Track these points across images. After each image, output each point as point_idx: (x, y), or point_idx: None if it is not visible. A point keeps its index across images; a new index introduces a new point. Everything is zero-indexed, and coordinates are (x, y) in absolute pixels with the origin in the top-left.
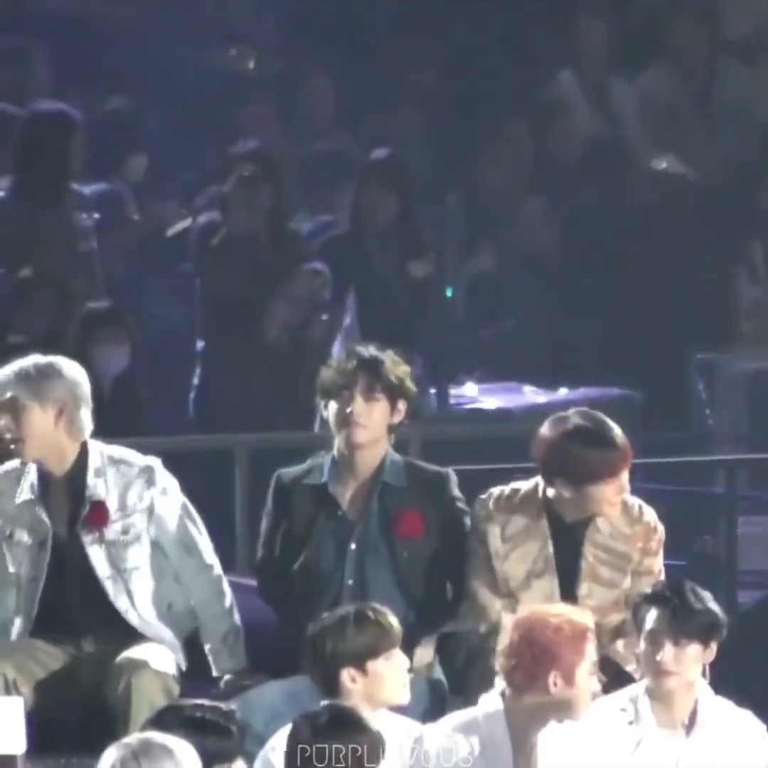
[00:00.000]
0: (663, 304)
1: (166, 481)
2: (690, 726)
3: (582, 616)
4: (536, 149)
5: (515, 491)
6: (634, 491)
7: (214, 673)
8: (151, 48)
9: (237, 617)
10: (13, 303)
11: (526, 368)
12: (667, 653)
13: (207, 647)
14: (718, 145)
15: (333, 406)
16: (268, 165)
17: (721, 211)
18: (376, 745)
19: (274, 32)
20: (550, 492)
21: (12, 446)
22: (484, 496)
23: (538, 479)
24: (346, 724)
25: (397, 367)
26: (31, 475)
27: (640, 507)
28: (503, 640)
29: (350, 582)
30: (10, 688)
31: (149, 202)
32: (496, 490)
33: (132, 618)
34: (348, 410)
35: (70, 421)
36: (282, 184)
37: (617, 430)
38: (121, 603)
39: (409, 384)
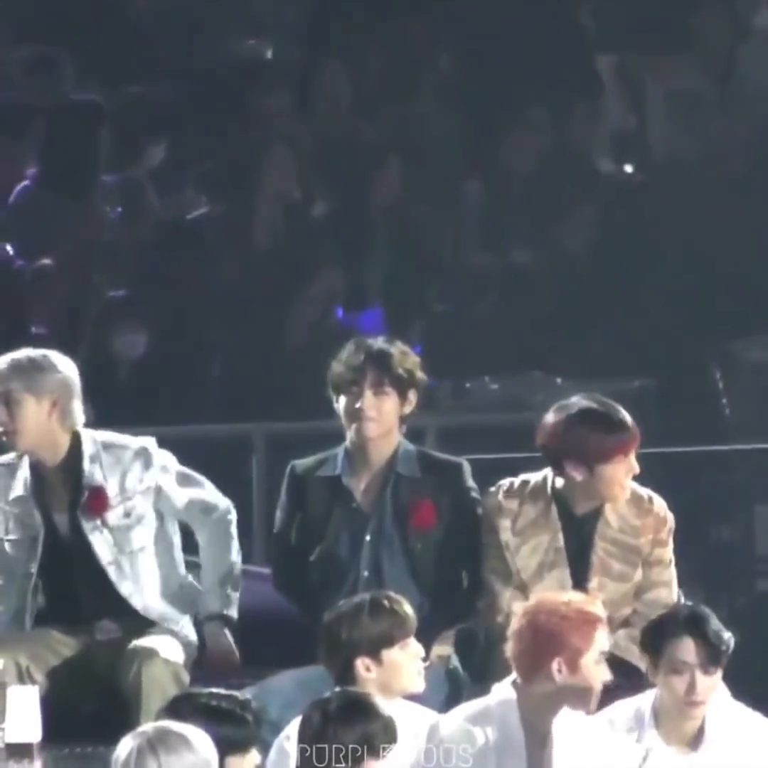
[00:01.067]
0: (681, 293)
1: (163, 458)
2: (698, 740)
3: (593, 605)
4: (558, 136)
5: (524, 483)
6: (651, 481)
7: (200, 616)
8: (171, 37)
9: (239, 567)
10: (32, 293)
11: (542, 357)
12: (701, 683)
13: (202, 586)
14: (738, 134)
15: (343, 400)
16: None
17: (740, 200)
18: (387, 730)
19: (293, 20)
20: (559, 482)
21: (4, 438)
22: (493, 489)
23: (547, 471)
24: (356, 709)
25: (405, 358)
26: (24, 470)
27: (649, 497)
28: (513, 626)
29: (366, 573)
30: (24, 677)
31: (168, 190)
32: (505, 483)
33: (136, 602)
34: (357, 405)
35: (63, 413)
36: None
37: (623, 411)
38: (124, 587)
39: (419, 375)
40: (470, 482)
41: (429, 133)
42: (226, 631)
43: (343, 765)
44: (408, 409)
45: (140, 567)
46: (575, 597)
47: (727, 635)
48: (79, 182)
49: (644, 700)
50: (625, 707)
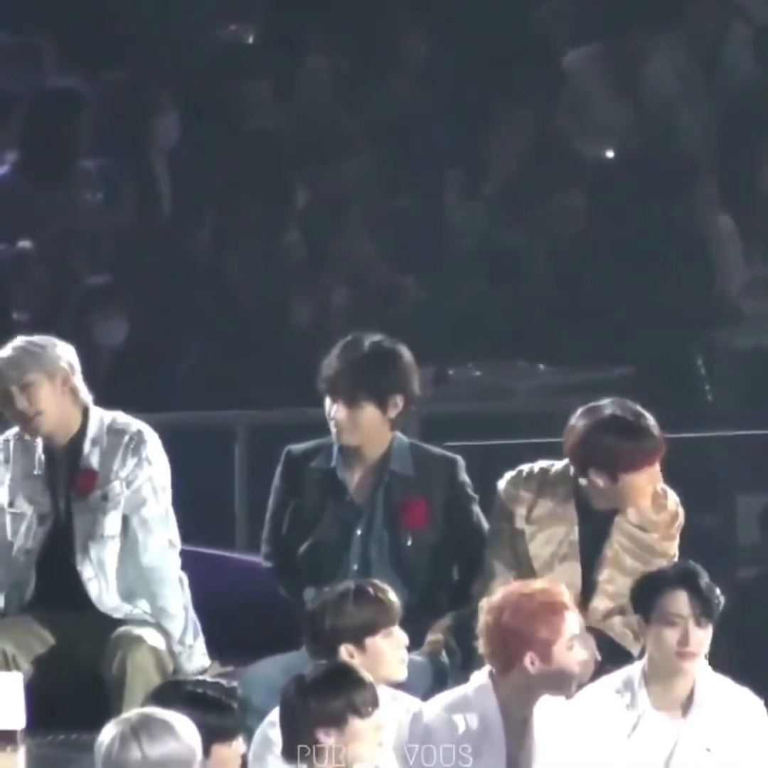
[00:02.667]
0: (664, 281)
1: (151, 452)
2: (688, 706)
3: (557, 592)
4: (541, 124)
5: (544, 471)
6: None
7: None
8: (150, 23)
9: (193, 616)
10: (12, 279)
11: (525, 345)
12: (694, 635)
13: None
14: (724, 119)
15: (326, 402)
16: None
17: (727, 187)
18: (369, 692)
19: (273, 6)
20: (582, 480)
21: (21, 426)
22: (512, 474)
23: (567, 462)
24: (337, 674)
25: (389, 365)
26: (39, 449)
27: (664, 492)
28: (480, 623)
29: (355, 567)
30: (9, 664)
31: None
32: (525, 469)
33: (92, 589)
34: (331, 415)
35: (73, 390)
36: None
37: (651, 420)
38: (85, 571)
39: (407, 379)
40: (465, 477)
41: (410, 119)
42: (222, 672)
43: (330, 726)
44: (394, 413)
45: (107, 554)
46: (537, 587)
47: (718, 590)
48: (59, 169)
49: (633, 668)
50: (613, 676)
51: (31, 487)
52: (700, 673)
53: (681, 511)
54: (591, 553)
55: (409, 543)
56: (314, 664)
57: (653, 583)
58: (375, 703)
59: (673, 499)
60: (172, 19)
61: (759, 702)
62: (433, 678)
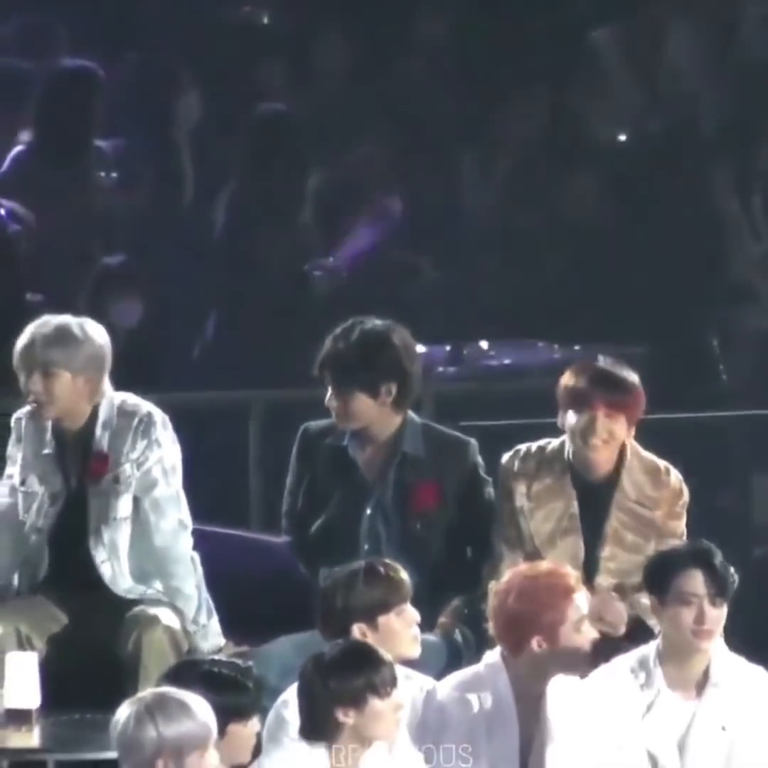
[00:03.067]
0: (680, 260)
1: (160, 433)
2: (702, 685)
3: (563, 574)
4: (556, 105)
5: (541, 449)
6: (648, 447)
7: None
8: (164, 4)
9: (206, 595)
10: (27, 259)
11: (541, 325)
12: (709, 614)
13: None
14: (739, 100)
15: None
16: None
17: (742, 167)
18: (388, 671)
19: None
20: (569, 447)
21: (31, 405)
22: (510, 453)
23: (564, 438)
24: (356, 654)
25: (378, 355)
26: (49, 429)
27: (666, 469)
28: (489, 606)
29: (366, 546)
30: (24, 644)
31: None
32: (522, 447)
33: (105, 571)
34: (326, 401)
35: (93, 388)
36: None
37: (632, 376)
38: (98, 554)
39: (401, 366)
40: (477, 460)
41: (425, 99)
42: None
43: (349, 706)
44: (388, 399)
45: (119, 536)
46: (543, 569)
47: (732, 569)
48: (74, 148)
49: (648, 647)
50: (628, 656)
51: (42, 466)
52: (714, 652)
53: (685, 488)
54: (592, 529)
55: (419, 526)
56: (332, 644)
57: (667, 562)
58: (393, 683)
59: (675, 476)
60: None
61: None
62: (447, 657)
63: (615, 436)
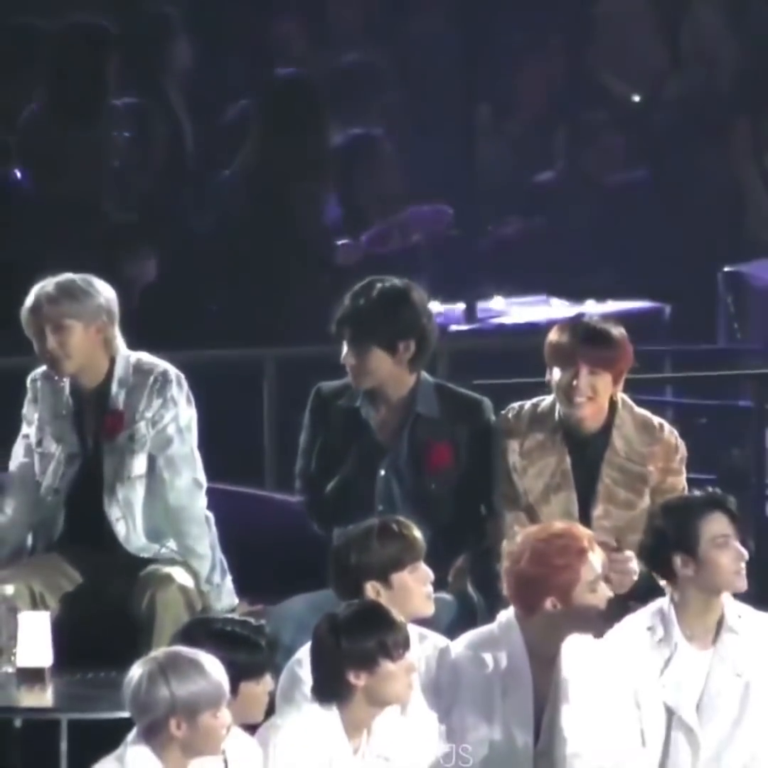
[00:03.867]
0: (694, 218)
1: (176, 392)
2: (717, 635)
3: (574, 536)
4: (573, 62)
5: (534, 406)
6: (663, 406)
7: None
8: None
9: (220, 555)
10: (41, 218)
11: (556, 282)
12: (744, 552)
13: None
14: (738, 58)
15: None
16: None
17: (757, 128)
18: (401, 633)
19: None
20: (558, 405)
21: (47, 363)
22: (504, 412)
23: (555, 396)
24: (370, 615)
25: (397, 312)
26: (67, 391)
27: (660, 425)
28: (503, 568)
29: (380, 507)
30: (37, 602)
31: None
32: (516, 405)
33: (119, 529)
34: (342, 358)
35: (106, 340)
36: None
37: (619, 331)
38: (113, 512)
39: (413, 325)
40: (490, 418)
41: (440, 56)
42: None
43: (361, 668)
44: (406, 357)
45: (134, 494)
46: (555, 531)
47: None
48: (87, 107)
49: (660, 603)
50: (641, 614)
51: (59, 427)
52: (727, 599)
53: (681, 444)
54: (585, 486)
55: (433, 486)
56: (346, 604)
57: (690, 513)
58: (406, 646)
59: (670, 431)
60: None
61: None
62: (461, 615)
63: (599, 393)
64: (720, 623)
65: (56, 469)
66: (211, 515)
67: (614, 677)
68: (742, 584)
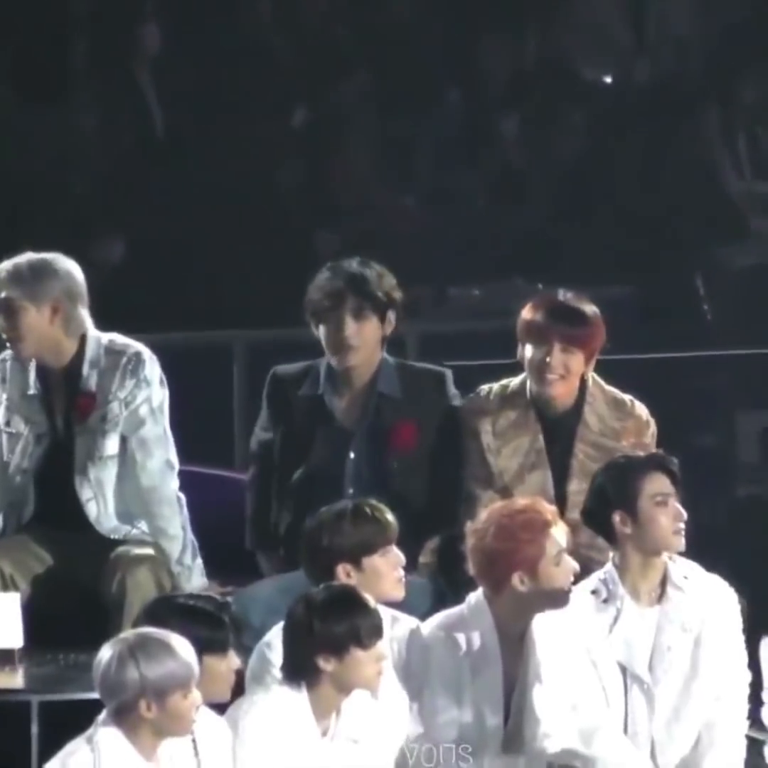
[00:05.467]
0: (663, 200)
1: (147, 373)
2: (662, 592)
3: (537, 510)
4: (542, 43)
5: (504, 387)
6: (633, 387)
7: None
8: None
9: (191, 536)
10: (10, 201)
11: (524, 264)
12: (680, 515)
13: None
14: (701, 40)
15: (323, 329)
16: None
17: (726, 108)
18: (373, 621)
19: None
20: (530, 382)
21: (8, 345)
22: (472, 394)
23: (525, 375)
24: (342, 601)
25: (383, 280)
26: (32, 369)
27: (631, 402)
28: (467, 546)
29: (351, 490)
30: (7, 584)
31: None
32: (484, 387)
33: (90, 510)
34: (340, 333)
35: (67, 319)
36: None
37: (591, 308)
38: (84, 492)
39: (397, 295)
40: (453, 390)
41: (410, 36)
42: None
43: (330, 654)
44: (388, 329)
45: (106, 475)
46: (518, 506)
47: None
48: (54, 88)
49: (604, 568)
50: (588, 579)
51: (27, 407)
52: (674, 560)
53: (652, 421)
54: (559, 463)
55: (396, 465)
56: (322, 586)
57: (631, 472)
58: (378, 634)
59: (641, 407)
60: None
61: (730, 588)
62: (433, 598)
63: (571, 371)
64: (664, 581)
65: (24, 449)
66: (182, 496)
67: (569, 644)
68: (680, 544)
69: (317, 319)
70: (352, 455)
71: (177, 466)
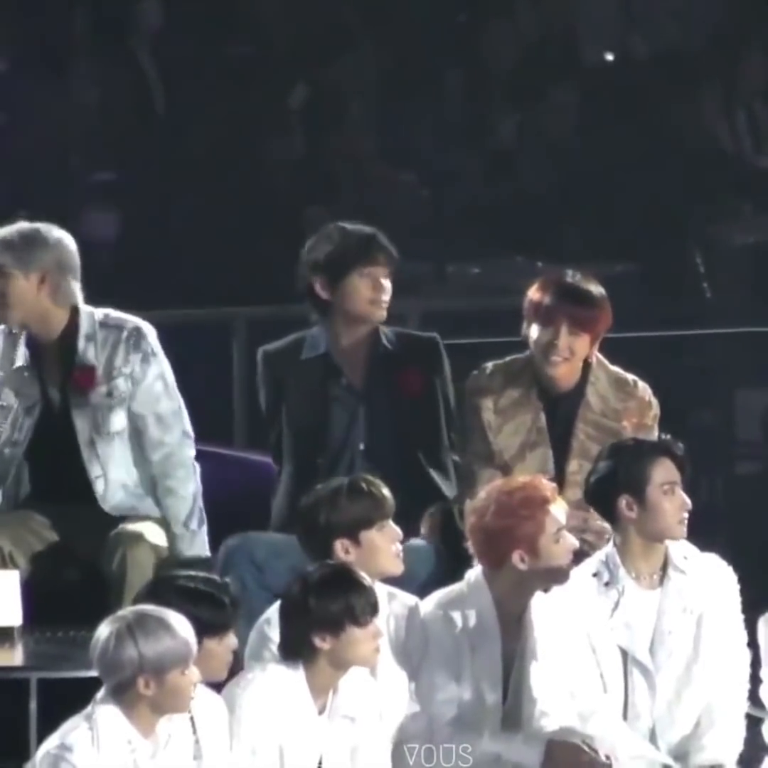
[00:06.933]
0: (663, 178)
1: (152, 346)
2: (663, 574)
3: (537, 487)
4: (540, 25)
5: (507, 364)
6: (632, 365)
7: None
8: None
9: (201, 504)
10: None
11: (524, 242)
12: (685, 504)
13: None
14: (701, 15)
15: (353, 279)
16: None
17: (725, 86)
18: (369, 599)
19: None
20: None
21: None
22: (475, 372)
23: (528, 353)
24: (339, 579)
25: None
26: (23, 342)
27: (634, 382)
28: (467, 525)
29: (362, 447)
30: (6, 561)
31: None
32: (488, 365)
33: (98, 486)
34: (370, 293)
35: (55, 289)
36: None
37: (598, 291)
38: (93, 469)
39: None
40: (444, 355)
41: (410, 14)
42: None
43: (326, 632)
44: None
45: (115, 450)
46: (517, 484)
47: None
48: (56, 62)
49: (605, 550)
50: (588, 561)
51: (17, 379)
52: (670, 542)
53: (655, 401)
54: (560, 442)
55: (407, 411)
56: (320, 564)
57: (640, 457)
58: (374, 611)
59: (644, 388)
60: None
61: (727, 565)
62: (436, 562)
63: (576, 354)
64: (665, 564)
65: (14, 421)
66: (198, 466)
67: (568, 627)
68: (683, 532)
69: (326, 272)
70: (362, 411)
71: (192, 435)
